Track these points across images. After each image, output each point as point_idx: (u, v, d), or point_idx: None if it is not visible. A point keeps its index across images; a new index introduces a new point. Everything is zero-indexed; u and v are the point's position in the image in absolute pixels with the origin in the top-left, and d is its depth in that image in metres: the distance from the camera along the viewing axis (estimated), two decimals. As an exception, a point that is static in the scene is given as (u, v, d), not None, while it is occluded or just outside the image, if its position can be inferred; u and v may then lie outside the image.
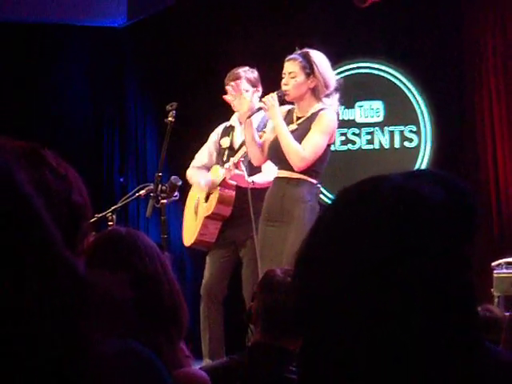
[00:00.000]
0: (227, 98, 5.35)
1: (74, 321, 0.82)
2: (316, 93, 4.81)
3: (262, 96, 5.03)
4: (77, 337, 0.82)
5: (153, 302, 1.99)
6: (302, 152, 4.65)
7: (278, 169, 4.82)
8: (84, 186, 1.39)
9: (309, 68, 4.79)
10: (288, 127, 4.78)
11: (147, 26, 7.46)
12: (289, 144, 4.68)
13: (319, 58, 4.86)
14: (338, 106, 4.88)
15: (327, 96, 4.81)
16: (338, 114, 4.99)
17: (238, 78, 5.33)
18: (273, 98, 4.77)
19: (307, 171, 4.70)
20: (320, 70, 4.80)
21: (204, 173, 5.41)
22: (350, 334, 0.95)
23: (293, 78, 4.80)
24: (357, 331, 0.94)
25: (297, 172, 4.69)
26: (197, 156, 5.53)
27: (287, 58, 4.87)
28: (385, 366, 0.93)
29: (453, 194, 0.99)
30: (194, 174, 5.46)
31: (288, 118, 4.86)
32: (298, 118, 4.85)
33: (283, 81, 4.85)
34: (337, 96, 4.83)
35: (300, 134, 4.74)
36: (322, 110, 4.77)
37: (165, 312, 2.01)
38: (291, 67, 4.82)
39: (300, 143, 4.70)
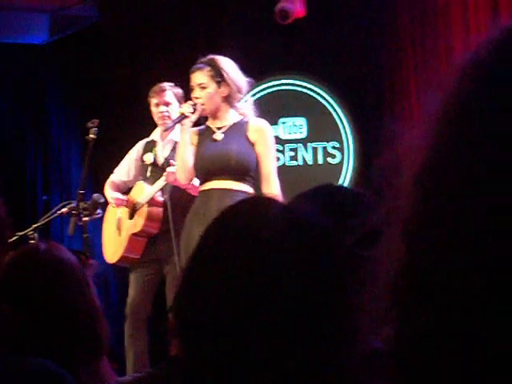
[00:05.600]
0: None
1: None
2: (230, 100, 4.64)
3: None
4: None
5: (67, 322, 1.97)
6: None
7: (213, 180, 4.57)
8: (2, 204, 1.36)
9: (219, 76, 4.59)
10: (213, 137, 4.64)
11: (70, 42, 7.41)
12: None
13: (226, 63, 4.65)
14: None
15: (239, 100, 4.68)
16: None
17: (162, 90, 5.33)
18: (189, 106, 4.60)
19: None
20: (230, 76, 4.60)
21: (117, 193, 5.36)
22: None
23: (203, 88, 4.60)
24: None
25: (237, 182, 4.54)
26: (116, 171, 5.49)
27: (193, 69, 4.65)
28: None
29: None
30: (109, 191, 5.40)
31: (204, 136, 4.69)
32: (219, 129, 4.68)
33: (194, 94, 4.63)
34: (251, 100, 4.77)
35: (229, 143, 4.58)
36: (247, 121, 4.66)
37: (80, 330, 2.00)
38: (200, 78, 4.61)
39: (230, 150, 4.54)
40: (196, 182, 4.74)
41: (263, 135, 4.65)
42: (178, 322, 1.07)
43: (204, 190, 4.60)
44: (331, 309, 0.98)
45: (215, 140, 4.65)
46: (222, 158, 4.55)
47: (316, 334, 0.98)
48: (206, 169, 4.59)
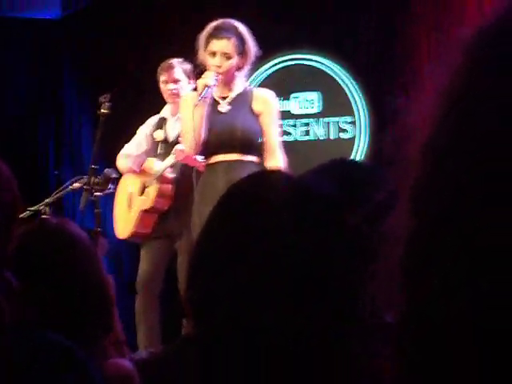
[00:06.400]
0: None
1: None
2: (241, 70, 4.52)
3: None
4: None
5: (77, 296, 1.98)
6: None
7: (220, 154, 4.47)
8: (14, 179, 1.34)
9: (241, 46, 4.44)
10: (218, 109, 4.51)
11: (81, 17, 7.39)
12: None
13: (247, 33, 4.49)
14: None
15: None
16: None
17: (171, 67, 5.30)
18: (212, 77, 4.38)
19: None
20: (251, 48, 4.46)
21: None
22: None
23: (228, 58, 4.42)
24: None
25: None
26: (127, 146, 5.48)
27: (219, 35, 4.42)
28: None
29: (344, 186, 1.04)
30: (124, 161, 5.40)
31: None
32: (223, 98, 4.55)
33: (215, 61, 4.42)
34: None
35: (235, 116, 4.48)
36: (251, 90, 4.61)
37: (90, 305, 2.00)
38: (227, 47, 4.41)
39: (235, 124, 4.44)
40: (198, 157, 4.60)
41: (268, 106, 4.56)
42: (190, 301, 1.07)
43: (211, 164, 4.49)
44: (340, 280, 0.98)
45: (220, 112, 4.53)
46: (228, 133, 4.44)
47: (324, 304, 0.97)
48: (212, 143, 4.47)
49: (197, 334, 1.09)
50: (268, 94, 4.62)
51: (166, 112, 5.39)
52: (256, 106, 4.54)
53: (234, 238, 1.03)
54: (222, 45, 4.42)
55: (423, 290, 0.62)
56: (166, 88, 5.32)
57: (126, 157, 5.40)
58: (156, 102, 5.51)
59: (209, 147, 4.49)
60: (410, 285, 0.64)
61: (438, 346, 0.61)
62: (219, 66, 4.42)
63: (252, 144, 4.49)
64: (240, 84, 4.59)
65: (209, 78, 4.40)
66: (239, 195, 1.08)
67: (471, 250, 0.60)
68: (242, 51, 4.45)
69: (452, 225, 0.61)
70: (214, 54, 4.43)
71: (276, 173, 1.16)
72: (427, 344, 0.62)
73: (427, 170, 0.64)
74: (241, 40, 4.45)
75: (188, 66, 5.27)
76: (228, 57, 4.42)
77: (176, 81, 5.27)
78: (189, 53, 5.13)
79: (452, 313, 0.60)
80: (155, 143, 5.38)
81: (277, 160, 4.49)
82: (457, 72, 0.65)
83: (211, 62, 4.44)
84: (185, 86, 5.24)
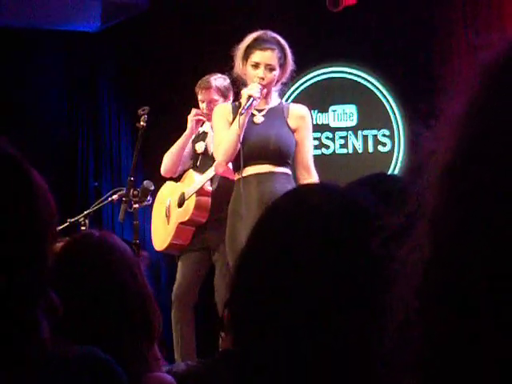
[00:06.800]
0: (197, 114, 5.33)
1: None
2: (277, 83, 4.47)
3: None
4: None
5: (119, 308, 1.99)
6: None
7: (252, 165, 4.41)
8: (50, 193, 1.36)
9: (282, 59, 4.39)
10: (253, 120, 4.45)
11: (121, 30, 7.45)
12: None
13: (287, 46, 4.44)
14: None
15: None
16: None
17: (207, 88, 5.32)
18: (257, 88, 4.32)
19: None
20: (290, 62, 4.42)
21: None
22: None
23: (271, 70, 4.37)
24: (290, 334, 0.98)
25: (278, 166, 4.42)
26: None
27: (264, 46, 4.36)
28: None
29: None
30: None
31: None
32: (259, 111, 4.48)
33: (259, 73, 4.36)
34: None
35: (269, 127, 4.43)
36: (287, 105, 4.60)
37: (132, 316, 2.01)
38: (271, 58, 4.36)
39: (269, 134, 4.39)
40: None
41: (304, 122, 4.52)
42: (232, 315, 1.08)
43: (243, 177, 4.42)
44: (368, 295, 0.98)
45: (255, 123, 4.47)
46: (262, 144, 4.39)
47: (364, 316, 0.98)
48: (246, 154, 4.37)
49: (238, 348, 1.09)
50: (303, 110, 4.59)
51: (206, 126, 5.40)
52: (292, 122, 4.50)
53: (275, 255, 1.04)
54: (266, 56, 4.36)
55: (440, 321, 0.62)
56: (203, 106, 5.34)
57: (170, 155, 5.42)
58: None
59: (241, 158, 4.40)
60: (427, 312, 0.63)
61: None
62: (263, 78, 4.36)
63: (285, 156, 4.44)
64: (275, 98, 4.57)
65: (254, 89, 4.33)
66: (280, 213, 1.09)
67: (490, 272, 0.59)
68: (283, 64, 4.40)
69: (470, 249, 0.60)
70: (257, 65, 4.38)
71: (317, 188, 1.15)
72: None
73: (444, 193, 0.64)
74: (282, 52, 4.39)
75: (226, 83, 5.27)
76: (271, 68, 4.36)
77: (212, 101, 5.26)
78: (224, 66, 5.12)
79: (473, 353, 0.59)
80: (194, 155, 5.41)
81: (312, 176, 4.47)
82: (473, 96, 0.65)
83: (254, 73, 4.37)
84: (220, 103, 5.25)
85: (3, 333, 1.00)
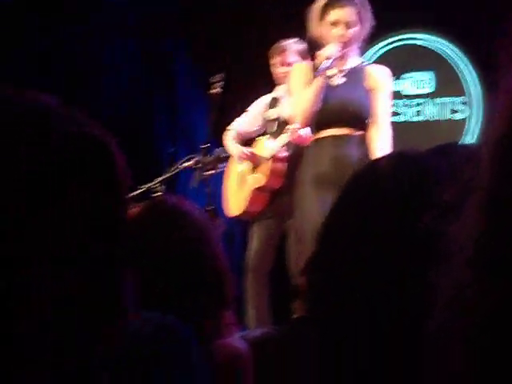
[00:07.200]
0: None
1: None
2: (358, 42, 4.32)
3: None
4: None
5: (193, 273, 2.00)
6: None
7: (330, 128, 4.32)
8: (124, 162, 1.35)
9: (362, 13, 4.23)
10: (333, 80, 4.33)
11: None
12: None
13: (367, 2, 4.26)
14: None
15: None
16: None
17: (283, 50, 5.27)
18: (335, 48, 4.20)
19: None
20: (369, 18, 4.26)
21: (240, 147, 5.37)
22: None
23: (350, 27, 4.22)
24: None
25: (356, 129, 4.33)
26: (239, 121, 5.48)
27: (342, 3, 4.20)
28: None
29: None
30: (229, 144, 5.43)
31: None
32: (339, 72, 4.34)
33: (338, 31, 4.21)
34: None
35: (348, 90, 4.34)
36: (366, 66, 4.48)
37: (207, 283, 2.02)
38: (350, 15, 4.20)
39: (348, 98, 4.30)
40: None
41: (381, 83, 4.41)
42: (310, 282, 1.08)
43: (318, 139, 4.36)
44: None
45: (334, 85, 4.36)
46: (341, 107, 4.30)
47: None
48: (322, 117, 4.31)
49: (315, 316, 1.09)
50: (383, 71, 4.49)
51: (280, 91, 5.36)
52: (369, 82, 4.40)
53: (356, 225, 1.04)
54: (345, 13, 4.22)
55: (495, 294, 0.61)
56: (278, 71, 5.30)
57: (234, 137, 5.41)
58: (268, 82, 5.51)
59: (318, 121, 4.33)
60: (481, 283, 0.63)
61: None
62: (342, 36, 4.24)
63: (363, 119, 4.35)
64: (355, 57, 4.45)
65: (332, 49, 4.22)
66: (360, 185, 1.09)
67: None
68: (362, 19, 4.25)
69: None
70: (335, 23, 4.25)
71: (394, 157, 1.14)
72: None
73: (502, 163, 0.62)
74: (360, 7, 4.24)
75: (300, 47, 5.22)
76: (351, 25, 4.22)
77: (289, 64, 5.21)
78: (298, 31, 5.01)
79: None
80: (267, 122, 5.38)
81: (384, 138, 4.32)
82: None
83: (333, 32, 4.25)
84: None
85: (99, 308, 1.01)
